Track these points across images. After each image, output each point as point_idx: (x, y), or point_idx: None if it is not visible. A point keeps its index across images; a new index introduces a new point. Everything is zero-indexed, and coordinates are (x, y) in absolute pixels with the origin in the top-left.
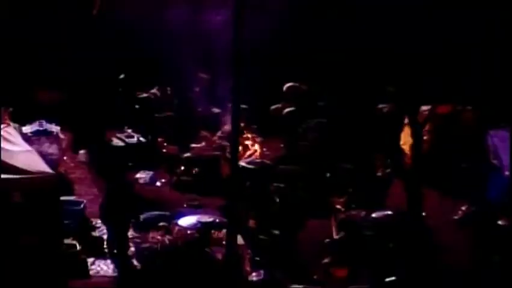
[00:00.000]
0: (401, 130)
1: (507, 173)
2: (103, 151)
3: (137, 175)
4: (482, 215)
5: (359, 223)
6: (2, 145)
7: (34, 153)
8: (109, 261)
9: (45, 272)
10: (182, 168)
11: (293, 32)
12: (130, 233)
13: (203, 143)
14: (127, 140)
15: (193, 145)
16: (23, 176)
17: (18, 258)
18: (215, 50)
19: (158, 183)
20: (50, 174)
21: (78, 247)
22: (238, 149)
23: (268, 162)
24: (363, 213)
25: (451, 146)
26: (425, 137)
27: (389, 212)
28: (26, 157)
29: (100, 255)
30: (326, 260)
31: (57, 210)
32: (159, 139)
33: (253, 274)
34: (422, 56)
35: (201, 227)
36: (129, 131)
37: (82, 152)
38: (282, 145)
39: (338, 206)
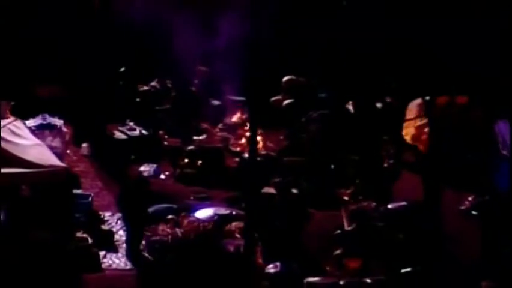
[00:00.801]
0: (402, 121)
1: None
2: (105, 144)
3: (141, 168)
4: (491, 205)
5: (370, 214)
6: (12, 139)
7: (44, 146)
8: (120, 254)
9: (58, 266)
10: (186, 160)
11: (292, 25)
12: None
13: (204, 135)
14: (129, 133)
15: (195, 137)
16: (35, 170)
17: (31, 253)
18: (214, 43)
19: (162, 176)
20: (62, 168)
21: (90, 240)
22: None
23: (272, 154)
24: (373, 204)
25: (453, 137)
26: (426, 129)
27: (404, 203)
28: (37, 151)
29: (111, 249)
30: (337, 252)
31: (69, 203)
32: (160, 132)
33: (270, 266)
34: (420, 47)
35: (217, 220)
36: (131, 124)
37: (84, 145)
38: (282, 137)
39: (345, 198)
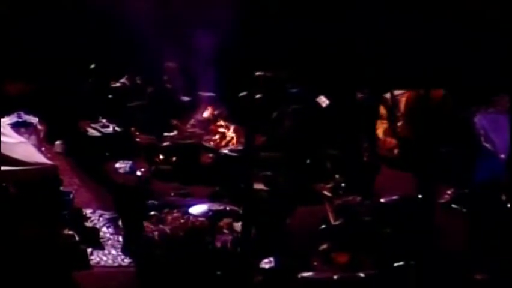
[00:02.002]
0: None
1: (502, 155)
2: (79, 142)
3: (117, 165)
4: (471, 198)
5: (357, 209)
6: None
7: (29, 144)
8: (106, 251)
9: (48, 264)
10: (161, 157)
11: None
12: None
13: (175, 132)
14: (102, 130)
15: (166, 134)
16: (22, 168)
17: (20, 251)
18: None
19: (138, 173)
20: (49, 166)
21: (76, 238)
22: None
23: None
24: (358, 198)
25: (426, 130)
26: (399, 123)
27: (394, 197)
28: (22, 149)
29: (97, 246)
30: (323, 247)
31: (57, 201)
32: (132, 129)
33: (264, 261)
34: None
35: (212, 215)
36: (103, 121)
37: (57, 142)
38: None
39: (326, 192)
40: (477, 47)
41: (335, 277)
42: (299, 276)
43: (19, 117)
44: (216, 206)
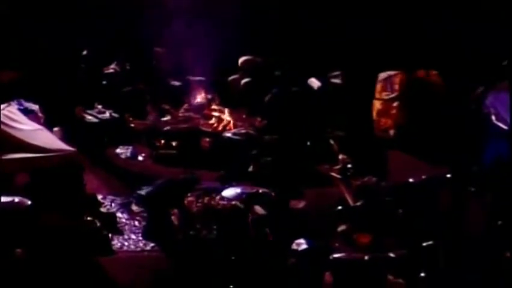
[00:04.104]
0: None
1: None
2: (77, 128)
3: (117, 150)
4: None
5: (376, 190)
6: (14, 124)
7: (46, 131)
8: (126, 236)
9: (73, 251)
10: (162, 141)
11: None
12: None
13: (168, 117)
14: (99, 116)
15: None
16: (45, 155)
17: (44, 238)
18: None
19: (140, 158)
20: (71, 151)
21: (98, 224)
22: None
23: (252, 132)
24: (374, 179)
25: (422, 112)
26: (394, 104)
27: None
28: (43, 136)
29: (116, 231)
30: (342, 228)
31: (80, 187)
32: (126, 114)
33: (296, 243)
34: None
35: (245, 198)
36: (99, 107)
37: (56, 129)
38: (245, 116)
39: (334, 174)
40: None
41: (366, 258)
42: (331, 257)
43: (20, 104)
44: (249, 189)
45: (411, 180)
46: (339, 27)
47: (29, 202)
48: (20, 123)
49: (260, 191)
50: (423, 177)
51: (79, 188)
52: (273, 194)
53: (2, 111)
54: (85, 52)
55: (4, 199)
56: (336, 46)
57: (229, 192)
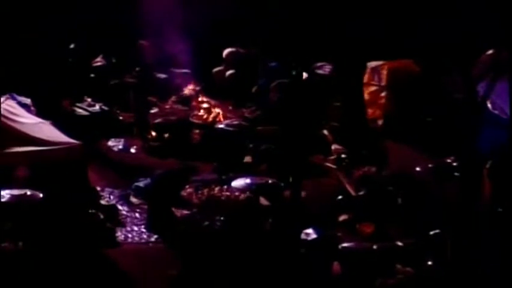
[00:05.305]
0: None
1: None
2: (68, 121)
3: (109, 143)
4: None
5: (378, 179)
6: (15, 118)
7: (49, 124)
8: (128, 228)
9: (78, 243)
10: (154, 134)
11: None
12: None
13: (156, 109)
14: (89, 109)
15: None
16: (50, 148)
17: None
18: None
19: (132, 150)
20: (76, 144)
21: (101, 216)
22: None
23: (245, 123)
24: (373, 169)
25: (410, 100)
26: (382, 93)
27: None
28: (46, 129)
29: (119, 223)
30: (344, 217)
31: (85, 180)
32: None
33: (305, 233)
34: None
35: (255, 189)
36: (89, 100)
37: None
38: (231, 107)
39: (330, 165)
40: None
41: (375, 247)
42: (340, 246)
43: (13, 98)
44: (258, 180)
45: (418, 169)
46: (324, 17)
47: (41, 195)
48: (22, 116)
49: (269, 181)
50: (429, 165)
51: (83, 180)
52: (282, 184)
53: (2, 105)
54: (72, 46)
55: (16, 192)
56: (322, 37)
57: (238, 182)
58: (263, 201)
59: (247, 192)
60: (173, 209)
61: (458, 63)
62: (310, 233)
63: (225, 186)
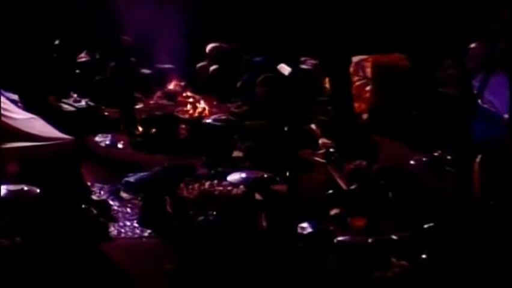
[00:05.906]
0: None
1: (506, 115)
2: (55, 117)
3: (96, 138)
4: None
5: (368, 173)
6: (7, 113)
7: (40, 120)
8: (121, 223)
9: (73, 239)
10: (140, 129)
11: None
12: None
13: (140, 105)
14: (76, 104)
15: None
16: (43, 143)
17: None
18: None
19: (119, 146)
20: (70, 140)
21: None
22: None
23: (232, 118)
24: (364, 163)
25: (395, 94)
26: (367, 87)
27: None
28: (39, 124)
29: (110, 219)
30: (335, 211)
31: (79, 175)
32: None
33: (301, 227)
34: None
35: (250, 183)
36: (75, 96)
37: None
38: (215, 102)
39: (318, 159)
40: None
41: (370, 240)
42: (336, 240)
43: (1, 94)
44: (254, 174)
45: (412, 162)
46: (307, 11)
47: (38, 190)
48: (13, 112)
49: (265, 175)
50: (424, 159)
51: (77, 176)
52: (277, 178)
53: None
54: (57, 42)
55: (13, 187)
56: (307, 31)
57: (234, 177)
58: (256, 195)
59: (241, 187)
60: (166, 204)
61: (453, 56)
62: (305, 227)
63: (215, 181)
